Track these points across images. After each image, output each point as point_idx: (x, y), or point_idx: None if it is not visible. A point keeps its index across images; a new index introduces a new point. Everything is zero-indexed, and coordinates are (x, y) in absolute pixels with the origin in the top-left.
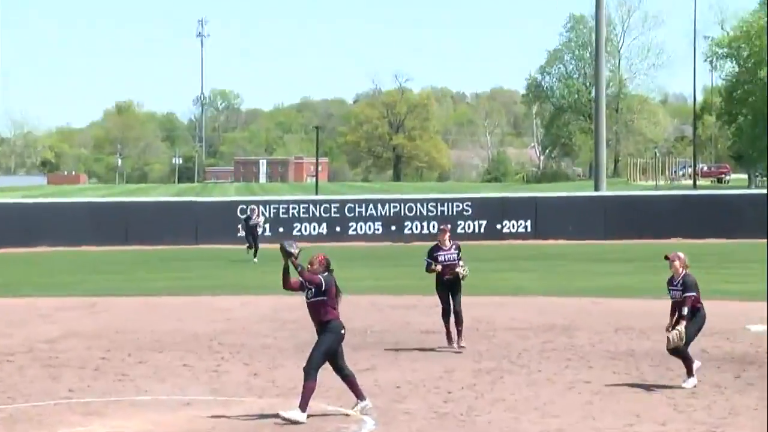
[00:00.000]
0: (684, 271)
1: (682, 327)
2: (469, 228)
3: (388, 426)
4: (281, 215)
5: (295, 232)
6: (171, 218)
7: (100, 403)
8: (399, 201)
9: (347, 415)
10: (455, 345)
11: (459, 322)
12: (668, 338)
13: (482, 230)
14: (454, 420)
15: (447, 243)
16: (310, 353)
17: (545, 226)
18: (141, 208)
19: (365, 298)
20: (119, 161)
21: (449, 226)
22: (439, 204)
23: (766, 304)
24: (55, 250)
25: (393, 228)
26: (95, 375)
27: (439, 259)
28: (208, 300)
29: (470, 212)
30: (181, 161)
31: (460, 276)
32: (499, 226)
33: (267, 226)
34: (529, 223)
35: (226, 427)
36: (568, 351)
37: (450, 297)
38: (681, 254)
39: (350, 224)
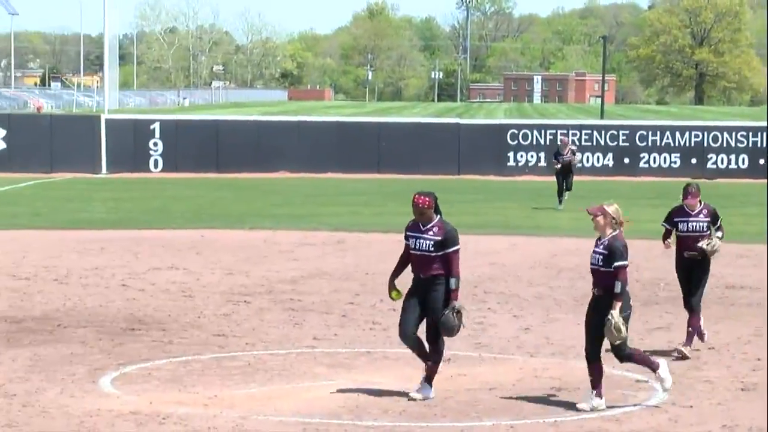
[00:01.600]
0: (614, 231)
1: (615, 313)
2: None
3: (683, 395)
4: (558, 142)
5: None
6: (429, 143)
7: (348, 354)
8: (701, 129)
9: (637, 381)
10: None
11: (692, 318)
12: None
13: None
14: (763, 392)
15: (696, 206)
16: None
17: None
18: (395, 129)
19: (658, 245)
20: (370, 74)
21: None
22: (751, 134)
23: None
24: (296, 177)
25: (693, 161)
26: (342, 322)
27: (680, 227)
28: (470, 240)
29: None
30: (441, 76)
31: (708, 252)
32: None
33: (542, 155)
34: None
35: (491, 386)
36: None
37: (688, 283)
38: (611, 207)
39: (642, 155)
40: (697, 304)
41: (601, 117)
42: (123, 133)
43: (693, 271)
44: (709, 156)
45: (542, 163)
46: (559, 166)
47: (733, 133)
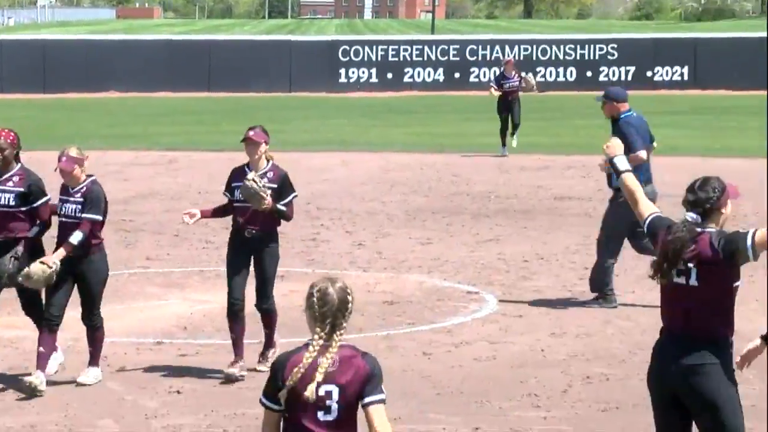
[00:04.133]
0: None
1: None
2: (614, 75)
3: (514, 306)
4: (390, 58)
5: (406, 79)
6: (260, 61)
7: (181, 274)
8: (531, 42)
9: (468, 292)
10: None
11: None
12: None
13: (630, 77)
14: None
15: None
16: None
17: (706, 73)
18: (226, 48)
19: (489, 159)
20: None
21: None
22: (578, 46)
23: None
24: (126, 96)
25: (522, 74)
26: (175, 241)
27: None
28: (303, 157)
29: (616, 56)
30: None
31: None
32: (650, 73)
33: (373, 71)
34: (686, 69)
35: None
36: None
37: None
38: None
39: (472, 70)
40: None
41: (432, 32)
42: None
43: None
44: (538, 69)
45: (374, 79)
46: (498, 93)
47: (562, 46)
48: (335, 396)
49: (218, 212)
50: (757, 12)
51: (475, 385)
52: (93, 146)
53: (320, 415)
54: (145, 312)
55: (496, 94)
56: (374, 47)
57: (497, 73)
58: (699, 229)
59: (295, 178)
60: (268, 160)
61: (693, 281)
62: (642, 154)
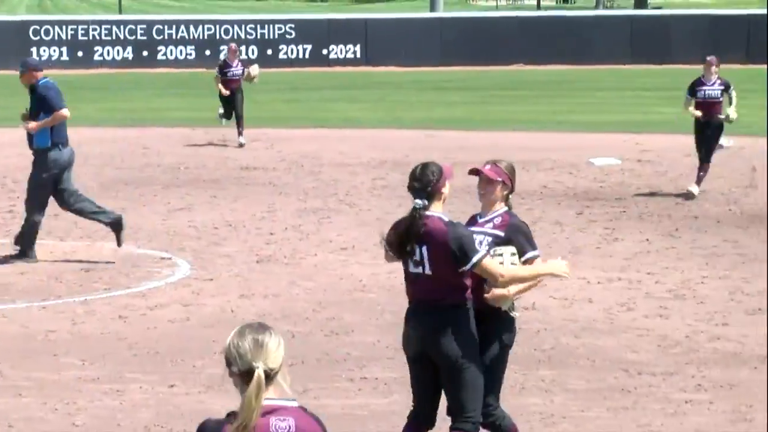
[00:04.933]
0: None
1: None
2: (292, 53)
3: (205, 270)
4: (80, 38)
5: (96, 57)
6: None
7: None
8: (214, 22)
9: (162, 258)
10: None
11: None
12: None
13: (307, 56)
14: (277, 263)
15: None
16: None
17: (376, 51)
18: None
19: (177, 131)
20: None
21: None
22: (259, 26)
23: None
24: None
25: (207, 53)
26: None
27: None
28: None
29: (293, 36)
30: None
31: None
32: (325, 52)
33: (64, 50)
34: (358, 48)
35: (22, 271)
36: (400, 188)
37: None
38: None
39: (159, 48)
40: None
41: (120, 12)
42: None
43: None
44: (221, 48)
45: (65, 57)
46: (221, 83)
47: (243, 26)
48: None
49: None
50: None
51: (170, 345)
52: None
53: None
54: None
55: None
56: (64, 27)
57: (221, 61)
58: (428, 213)
59: None
60: None
61: (428, 270)
62: (65, 111)
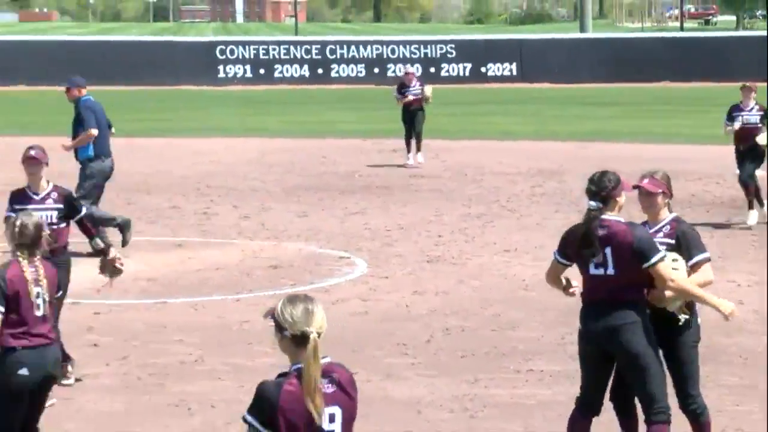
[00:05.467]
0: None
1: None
2: (453, 71)
3: (380, 268)
4: (262, 56)
5: (276, 74)
6: (149, 59)
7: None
8: (382, 43)
9: (341, 257)
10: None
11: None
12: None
13: (467, 73)
14: (445, 263)
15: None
16: None
17: (531, 68)
18: (119, 47)
19: (350, 142)
20: None
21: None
22: (422, 46)
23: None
24: (33, 90)
25: (376, 71)
26: None
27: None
28: (190, 142)
29: (454, 55)
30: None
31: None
32: (483, 69)
33: (247, 67)
34: (514, 66)
35: (217, 267)
36: (557, 195)
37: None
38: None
39: (332, 66)
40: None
41: (296, 33)
42: None
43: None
44: (388, 66)
45: (248, 75)
46: (404, 100)
47: (408, 46)
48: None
49: None
50: (570, 17)
51: (351, 337)
52: (8, 132)
53: None
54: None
55: (402, 102)
56: (247, 47)
57: (399, 83)
58: (604, 217)
59: (184, 160)
60: (48, 182)
61: (611, 270)
62: (93, 131)
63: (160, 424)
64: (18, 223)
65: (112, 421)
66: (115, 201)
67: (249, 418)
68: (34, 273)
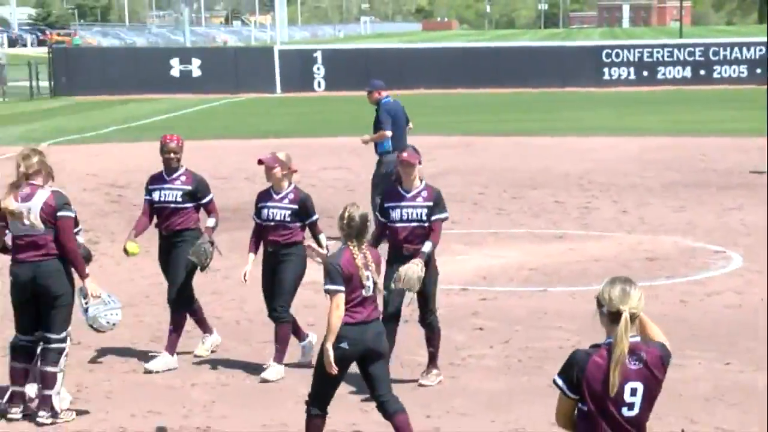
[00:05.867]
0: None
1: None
2: None
3: (756, 263)
4: (645, 59)
5: (659, 76)
6: (538, 62)
7: (479, 235)
8: (765, 44)
9: (716, 251)
10: None
11: None
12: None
13: None
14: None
15: None
16: None
17: None
18: (510, 52)
19: (730, 140)
20: (488, 8)
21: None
22: None
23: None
24: (430, 93)
25: (758, 71)
26: (474, 209)
27: None
28: (573, 141)
29: None
30: (546, 7)
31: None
32: None
33: (631, 70)
34: None
35: (595, 258)
36: None
37: None
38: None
39: (715, 68)
40: None
41: (680, 36)
42: (292, 60)
43: None
44: None
45: (632, 77)
46: None
47: None
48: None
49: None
50: None
51: (725, 328)
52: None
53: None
54: (451, 265)
55: None
56: (631, 50)
57: None
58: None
59: (567, 158)
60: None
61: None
62: (387, 133)
63: (540, 404)
64: (346, 215)
65: (493, 400)
66: (502, 196)
67: (558, 380)
68: (363, 259)
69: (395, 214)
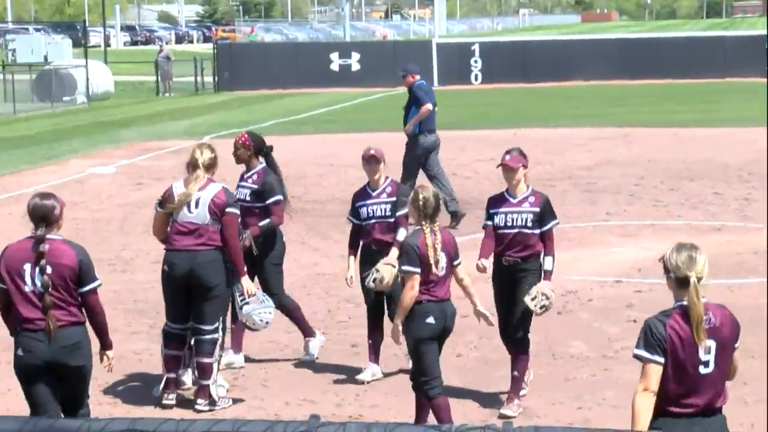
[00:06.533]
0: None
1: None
2: None
3: None
4: None
5: None
6: (700, 53)
7: (635, 226)
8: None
9: None
10: None
11: None
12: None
13: None
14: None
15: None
16: None
17: None
18: (670, 43)
19: None
20: None
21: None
22: None
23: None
24: (588, 84)
25: None
26: (630, 200)
27: None
28: (735, 132)
29: None
30: None
31: None
32: None
33: None
34: None
35: (755, 250)
36: None
37: None
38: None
39: None
40: None
41: None
42: (450, 53)
43: None
44: None
45: None
46: None
47: None
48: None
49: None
50: None
51: None
52: (563, 124)
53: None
54: (606, 257)
55: None
56: None
57: None
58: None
59: (727, 150)
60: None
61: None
62: (429, 106)
63: None
64: (421, 197)
65: None
66: (659, 187)
67: (638, 351)
68: (434, 239)
69: (499, 220)
